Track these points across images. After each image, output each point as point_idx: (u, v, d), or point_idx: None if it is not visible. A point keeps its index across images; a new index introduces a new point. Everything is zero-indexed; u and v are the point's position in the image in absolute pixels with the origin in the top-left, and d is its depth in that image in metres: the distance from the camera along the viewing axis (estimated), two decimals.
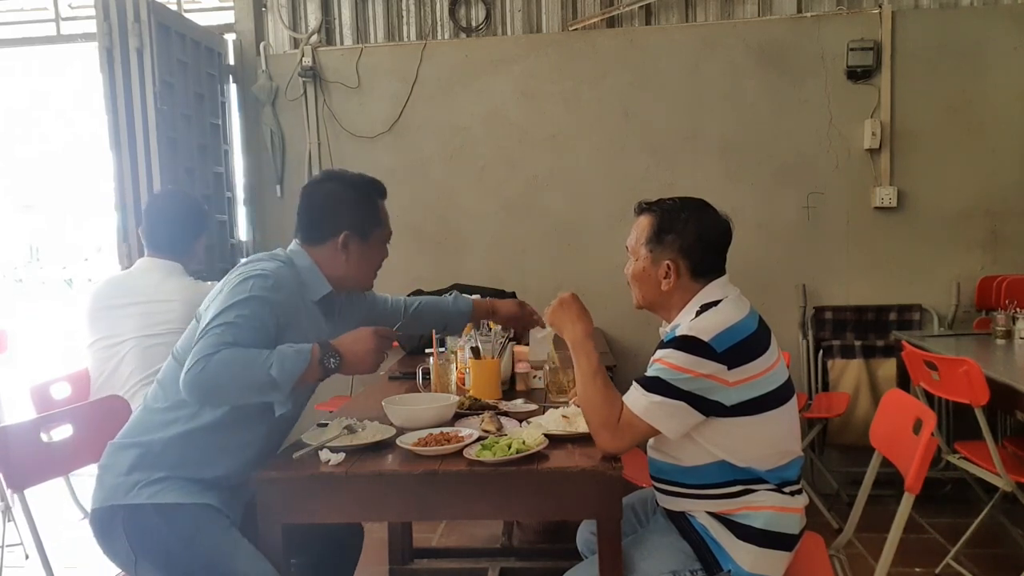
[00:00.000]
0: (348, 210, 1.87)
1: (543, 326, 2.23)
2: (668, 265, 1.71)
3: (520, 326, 2.41)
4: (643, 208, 1.79)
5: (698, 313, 1.66)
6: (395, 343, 1.89)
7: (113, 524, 1.72)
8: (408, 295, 3.55)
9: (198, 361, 1.59)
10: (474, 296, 2.41)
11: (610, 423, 1.62)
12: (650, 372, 1.62)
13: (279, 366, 1.62)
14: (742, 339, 1.60)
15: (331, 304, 1.92)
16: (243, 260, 1.87)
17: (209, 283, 3.61)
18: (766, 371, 1.63)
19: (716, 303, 1.67)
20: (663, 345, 1.65)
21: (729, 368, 1.57)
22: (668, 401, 1.58)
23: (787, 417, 1.68)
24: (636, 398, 1.62)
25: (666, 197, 1.79)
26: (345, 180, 1.92)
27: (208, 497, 1.73)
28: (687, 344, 1.58)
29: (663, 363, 1.60)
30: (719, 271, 1.75)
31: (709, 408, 1.59)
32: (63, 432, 2.04)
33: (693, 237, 1.71)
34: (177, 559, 1.68)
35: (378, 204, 1.93)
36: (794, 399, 1.72)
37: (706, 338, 1.58)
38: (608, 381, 1.68)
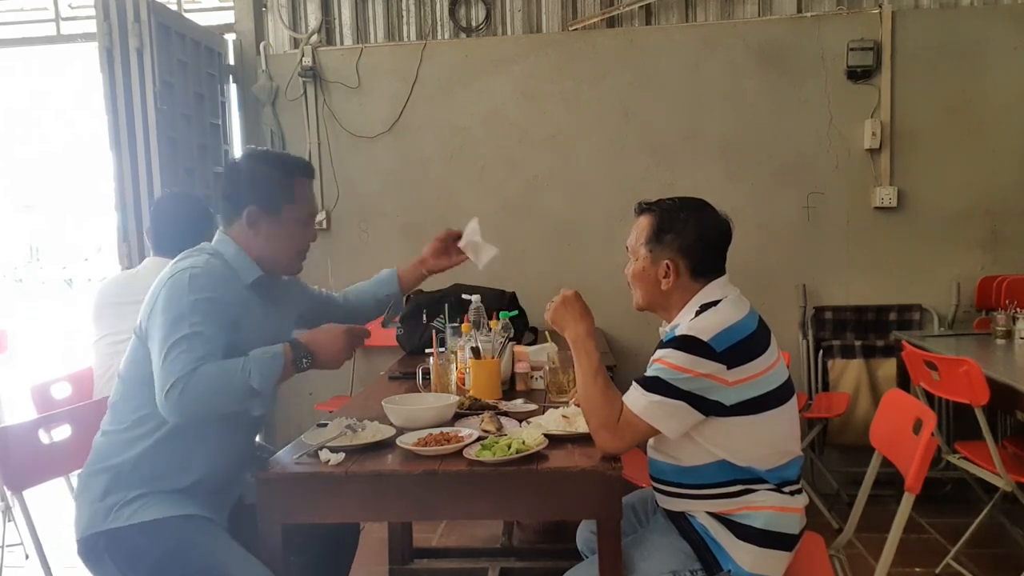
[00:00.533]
0: (256, 184, 1.82)
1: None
2: (667, 265, 1.72)
3: (451, 252, 2.35)
4: (643, 208, 1.80)
5: (698, 313, 1.66)
6: (366, 342, 1.87)
7: (98, 552, 1.71)
8: (408, 295, 3.57)
9: (175, 384, 1.58)
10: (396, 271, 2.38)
11: (610, 423, 1.62)
12: (650, 372, 1.62)
13: (258, 374, 1.63)
14: (741, 339, 1.60)
15: (267, 289, 1.88)
16: (172, 261, 1.82)
17: None
18: (766, 371, 1.63)
19: (716, 303, 1.67)
20: (663, 345, 1.65)
21: (728, 368, 1.58)
22: (668, 401, 1.58)
23: (787, 417, 1.68)
24: (636, 398, 1.62)
25: (666, 197, 1.79)
26: (258, 156, 1.90)
27: (189, 507, 1.72)
28: (686, 344, 1.59)
29: (662, 363, 1.60)
30: (719, 271, 1.75)
31: (709, 408, 1.59)
32: (62, 432, 2.04)
33: (692, 237, 1.71)
34: (169, 574, 1.67)
35: (293, 180, 1.85)
36: (794, 399, 1.72)
37: (705, 338, 1.58)
38: (608, 381, 1.68)
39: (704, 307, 1.67)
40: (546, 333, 2.37)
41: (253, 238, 1.83)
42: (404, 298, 2.37)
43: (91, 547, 1.72)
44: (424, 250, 2.34)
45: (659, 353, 1.63)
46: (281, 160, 1.89)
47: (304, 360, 1.73)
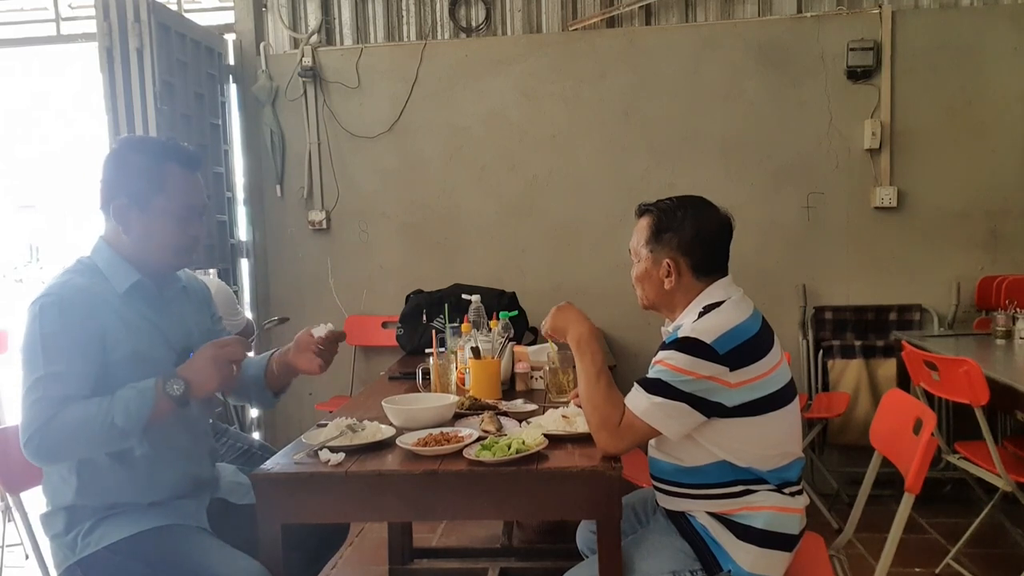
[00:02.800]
0: (123, 176, 1.66)
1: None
2: (668, 264, 1.72)
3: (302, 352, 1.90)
4: (643, 210, 1.80)
5: (700, 314, 1.66)
6: (244, 354, 1.68)
7: None
8: (408, 295, 3.58)
9: (32, 435, 1.51)
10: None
11: (611, 424, 1.62)
12: (651, 373, 1.62)
13: (123, 413, 1.54)
14: (744, 341, 1.60)
15: (157, 290, 1.75)
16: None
17: (206, 273, 3.62)
18: (768, 373, 1.62)
19: (719, 304, 1.67)
20: (665, 346, 1.65)
21: (731, 370, 1.57)
22: (669, 402, 1.58)
23: (789, 418, 1.68)
24: (637, 399, 1.62)
25: (665, 197, 1.79)
26: (133, 143, 1.73)
27: (160, 518, 1.69)
28: (689, 346, 1.58)
29: (664, 364, 1.60)
30: (722, 269, 1.75)
31: (710, 409, 1.59)
32: None
33: (691, 234, 1.71)
34: None
35: (167, 170, 1.68)
36: (796, 400, 1.72)
37: (708, 340, 1.58)
38: (611, 382, 1.68)
39: (707, 308, 1.67)
40: None
41: (122, 235, 1.68)
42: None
43: None
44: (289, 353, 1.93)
45: (661, 355, 1.63)
46: (152, 146, 1.71)
47: (175, 387, 1.58)
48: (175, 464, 1.76)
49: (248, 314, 3.80)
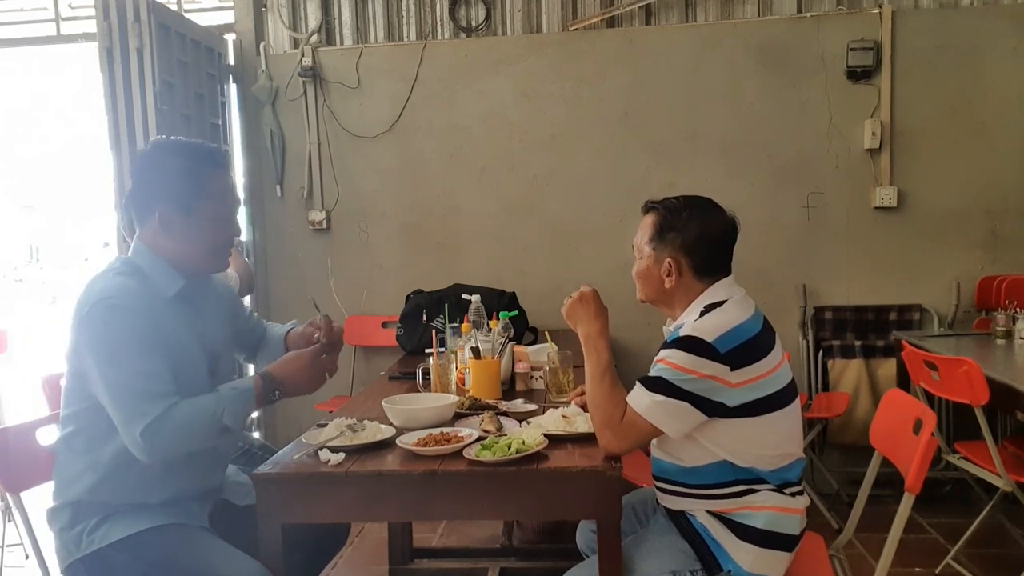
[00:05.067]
0: (165, 180, 1.68)
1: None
2: (669, 263, 1.72)
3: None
4: (649, 207, 1.81)
5: (702, 313, 1.66)
6: (336, 367, 1.78)
7: None
8: (408, 295, 3.58)
9: (147, 429, 1.54)
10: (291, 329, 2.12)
11: (613, 422, 1.63)
12: (653, 372, 1.63)
13: (231, 413, 1.61)
14: (745, 340, 1.60)
15: (195, 293, 1.78)
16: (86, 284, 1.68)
17: None
18: (769, 372, 1.63)
19: (720, 304, 1.67)
20: (666, 345, 1.65)
21: (732, 369, 1.58)
22: (670, 401, 1.58)
23: (790, 419, 1.68)
24: (639, 397, 1.62)
25: (672, 196, 1.79)
26: (166, 147, 1.73)
27: (163, 517, 1.70)
28: (690, 345, 1.58)
29: (666, 363, 1.60)
30: (724, 270, 1.75)
31: (712, 409, 1.59)
32: (60, 433, 2.03)
33: (695, 235, 1.71)
34: None
35: (206, 173, 1.71)
36: (797, 401, 1.72)
37: (709, 339, 1.58)
38: (616, 381, 1.68)
39: (709, 307, 1.67)
40: (546, 333, 2.37)
41: (166, 240, 1.70)
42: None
43: (74, 575, 1.70)
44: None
45: (663, 353, 1.63)
46: (191, 150, 1.72)
47: (276, 392, 1.68)
48: (191, 469, 1.76)
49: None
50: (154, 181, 1.70)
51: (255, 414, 4.13)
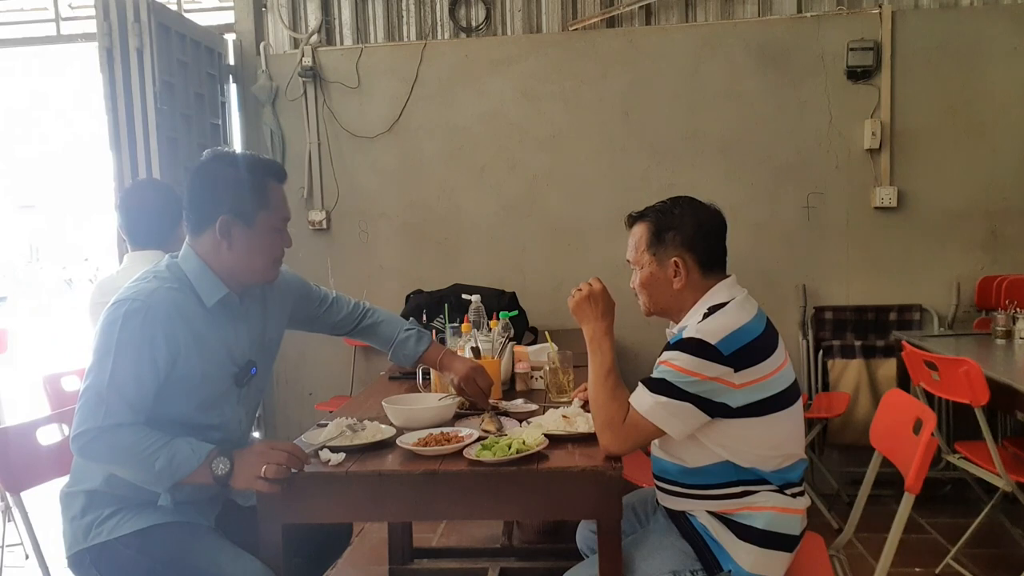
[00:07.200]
0: (228, 191, 1.68)
1: (487, 408, 1.98)
2: (675, 263, 1.72)
3: (466, 392, 2.06)
4: (634, 219, 1.80)
5: (705, 315, 1.66)
6: (298, 465, 1.59)
7: (85, 567, 1.70)
8: (408, 295, 3.58)
9: (86, 433, 1.54)
10: (433, 343, 2.18)
11: (615, 423, 1.63)
12: (656, 373, 1.63)
13: (167, 460, 1.54)
14: (749, 341, 1.60)
15: (237, 304, 1.78)
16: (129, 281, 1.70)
17: None
18: (772, 373, 1.63)
19: (723, 305, 1.67)
20: (669, 347, 1.65)
21: (736, 371, 1.57)
22: (673, 402, 1.58)
23: (792, 419, 1.68)
24: (641, 398, 1.62)
25: (652, 203, 1.79)
26: (227, 158, 1.74)
27: (171, 514, 1.70)
28: (693, 346, 1.58)
29: (669, 365, 1.60)
30: (724, 264, 1.75)
31: (715, 410, 1.59)
32: (60, 433, 2.04)
33: (693, 228, 1.72)
34: None
35: (267, 185, 1.72)
36: (800, 401, 1.72)
37: (713, 341, 1.58)
38: (619, 381, 1.68)
39: (712, 309, 1.67)
40: (546, 333, 2.37)
41: (225, 250, 1.70)
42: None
43: (79, 564, 1.71)
44: (454, 365, 2.09)
45: (666, 355, 1.63)
46: (253, 163, 1.74)
47: (220, 466, 1.57)
48: None
49: None
50: (217, 192, 1.70)
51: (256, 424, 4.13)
